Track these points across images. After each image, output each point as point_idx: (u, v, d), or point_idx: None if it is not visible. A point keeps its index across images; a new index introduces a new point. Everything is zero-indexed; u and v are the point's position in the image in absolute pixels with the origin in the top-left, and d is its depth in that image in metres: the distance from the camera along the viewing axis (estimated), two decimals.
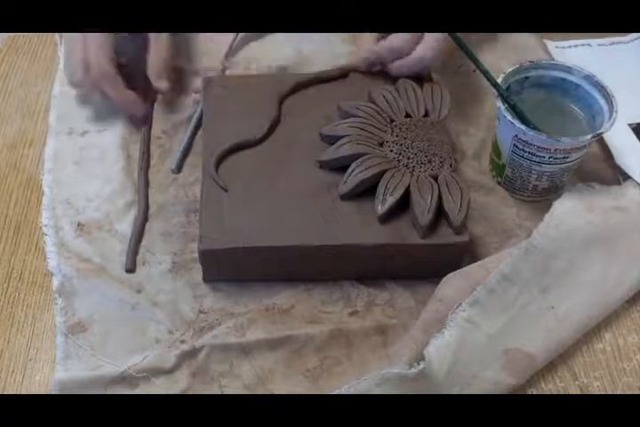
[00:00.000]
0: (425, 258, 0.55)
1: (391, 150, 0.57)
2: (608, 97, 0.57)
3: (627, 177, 0.60)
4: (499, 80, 0.57)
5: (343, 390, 0.50)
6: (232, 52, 0.72)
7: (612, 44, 0.73)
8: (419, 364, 0.50)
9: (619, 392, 0.52)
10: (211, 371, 0.52)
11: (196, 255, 0.54)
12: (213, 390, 0.52)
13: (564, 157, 0.56)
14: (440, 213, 0.54)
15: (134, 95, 0.64)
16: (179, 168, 0.63)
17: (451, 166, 0.56)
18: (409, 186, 0.54)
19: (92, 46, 0.61)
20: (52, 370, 0.52)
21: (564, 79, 0.59)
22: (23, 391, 0.52)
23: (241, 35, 0.72)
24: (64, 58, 0.66)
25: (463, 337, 0.50)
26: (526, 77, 0.59)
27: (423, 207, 0.53)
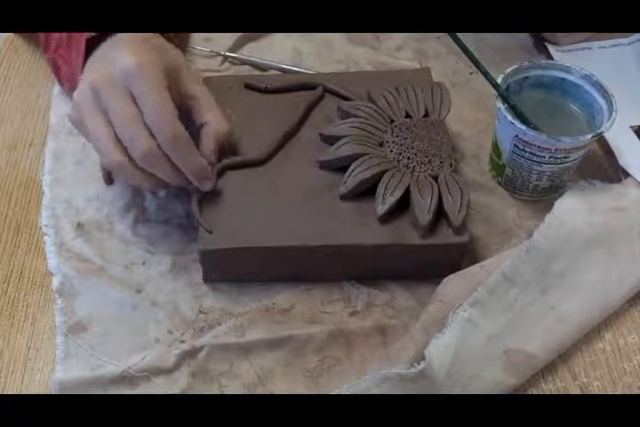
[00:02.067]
0: (425, 258, 0.55)
1: (391, 150, 0.57)
2: (607, 96, 0.57)
3: (628, 174, 0.60)
4: (498, 80, 0.57)
5: (343, 390, 0.50)
6: (231, 51, 0.72)
7: (614, 46, 0.73)
8: (419, 364, 0.50)
9: (619, 392, 0.51)
10: (211, 371, 0.52)
11: (196, 255, 0.55)
12: (213, 390, 0.52)
13: (564, 157, 0.56)
14: (440, 214, 0.54)
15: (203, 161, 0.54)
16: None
17: (451, 166, 0.56)
18: (409, 186, 0.54)
19: (122, 117, 0.50)
20: (52, 370, 0.52)
21: (563, 79, 0.59)
22: (23, 391, 0.51)
23: (240, 34, 0.72)
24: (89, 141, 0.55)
25: (464, 337, 0.51)
26: (526, 77, 0.59)
27: (423, 207, 0.53)
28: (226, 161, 0.57)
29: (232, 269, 0.56)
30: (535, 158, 0.56)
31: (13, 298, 0.56)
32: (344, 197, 0.55)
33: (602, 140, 0.63)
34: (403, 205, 0.54)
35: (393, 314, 0.55)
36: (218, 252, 0.53)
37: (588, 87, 0.58)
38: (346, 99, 0.61)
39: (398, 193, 0.54)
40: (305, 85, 0.63)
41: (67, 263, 0.57)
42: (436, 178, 0.55)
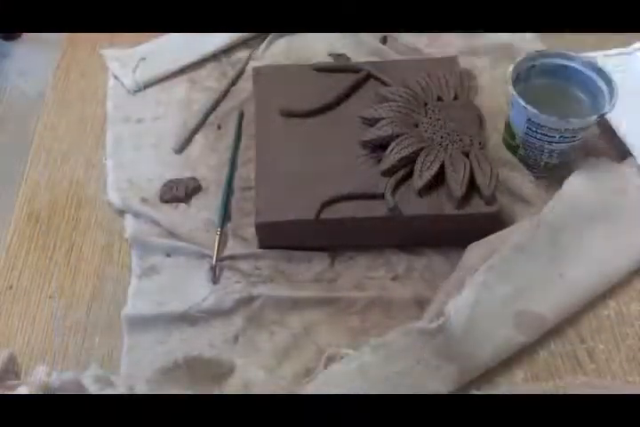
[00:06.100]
0: (459, 227, 0.58)
1: (426, 130, 0.60)
2: (608, 80, 0.60)
3: (629, 154, 0.63)
4: (511, 69, 0.61)
5: (371, 343, 0.53)
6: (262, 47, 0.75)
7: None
8: (438, 319, 0.53)
9: (621, 354, 0.54)
10: (264, 318, 0.56)
11: (252, 228, 0.58)
12: (262, 335, 0.55)
13: (572, 136, 0.60)
14: (472, 186, 0.57)
15: None
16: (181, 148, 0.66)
17: (480, 144, 0.59)
18: (443, 162, 0.58)
19: None
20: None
21: (566, 66, 0.62)
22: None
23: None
24: None
25: (479, 298, 0.54)
26: (533, 66, 0.62)
27: (457, 181, 0.56)
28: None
29: (284, 240, 0.59)
30: (546, 138, 0.60)
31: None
32: (385, 173, 0.58)
33: (605, 122, 0.65)
34: (438, 180, 0.58)
35: (430, 278, 0.58)
36: (271, 224, 0.57)
37: (589, 73, 0.61)
38: (385, 83, 0.64)
39: (434, 168, 0.57)
40: (350, 68, 0.66)
41: (138, 224, 0.62)
42: (467, 154, 0.58)
